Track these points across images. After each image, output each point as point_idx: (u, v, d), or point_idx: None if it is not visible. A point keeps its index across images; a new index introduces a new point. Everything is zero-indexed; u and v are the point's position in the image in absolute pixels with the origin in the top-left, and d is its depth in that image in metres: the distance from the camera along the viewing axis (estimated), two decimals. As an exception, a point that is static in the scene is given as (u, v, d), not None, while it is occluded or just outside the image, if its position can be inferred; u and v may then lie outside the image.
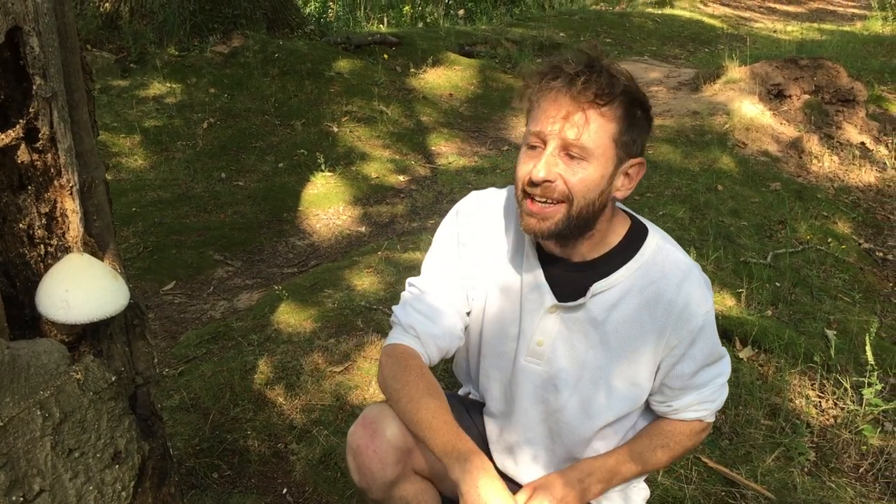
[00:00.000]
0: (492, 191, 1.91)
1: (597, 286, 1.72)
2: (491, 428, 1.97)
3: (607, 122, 1.59)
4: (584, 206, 1.62)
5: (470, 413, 2.02)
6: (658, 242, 1.76)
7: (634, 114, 1.63)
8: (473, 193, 1.92)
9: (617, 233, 1.75)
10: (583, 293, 1.73)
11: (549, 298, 1.77)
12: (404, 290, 1.92)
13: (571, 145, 1.58)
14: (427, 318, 1.82)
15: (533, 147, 1.63)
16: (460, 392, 2.17)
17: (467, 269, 1.85)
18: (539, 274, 1.78)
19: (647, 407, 1.89)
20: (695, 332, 1.72)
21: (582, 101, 1.56)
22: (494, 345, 1.88)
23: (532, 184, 1.61)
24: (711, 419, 1.89)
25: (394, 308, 1.89)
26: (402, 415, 1.73)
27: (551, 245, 1.74)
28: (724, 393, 1.87)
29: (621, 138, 1.61)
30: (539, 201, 1.62)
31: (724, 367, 1.85)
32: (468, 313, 1.90)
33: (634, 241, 1.75)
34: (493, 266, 1.85)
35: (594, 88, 1.56)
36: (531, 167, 1.61)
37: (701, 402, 1.82)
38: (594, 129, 1.57)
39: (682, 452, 1.89)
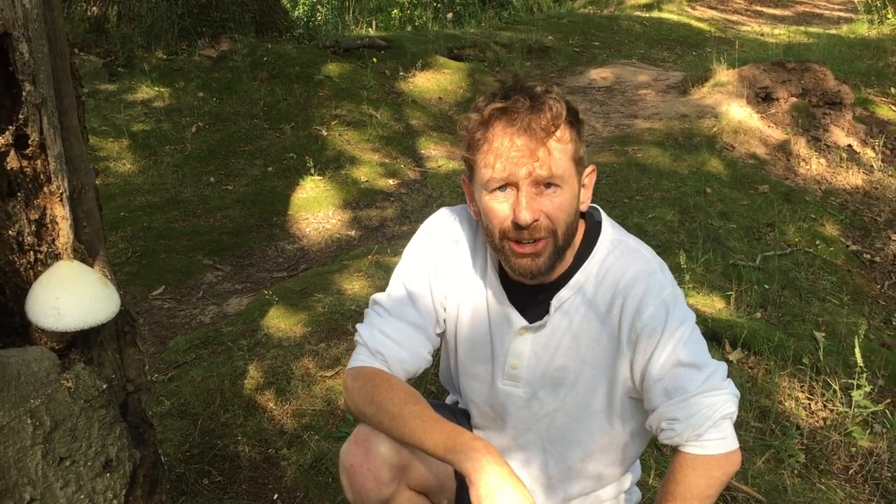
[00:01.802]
0: (460, 209, 1.90)
1: (557, 298, 1.73)
2: (480, 436, 1.97)
3: (565, 144, 1.61)
4: (566, 231, 1.65)
5: (459, 422, 2.01)
6: (611, 238, 1.76)
7: (579, 128, 1.66)
8: (443, 210, 1.91)
9: (577, 239, 1.75)
10: (547, 310, 1.74)
11: (518, 321, 1.77)
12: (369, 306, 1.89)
13: (544, 179, 1.59)
14: (395, 342, 1.79)
15: (501, 191, 1.62)
16: (448, 400, 2.16)
17: (437, 290, 1.84)
18: (503, 297, 1.78)
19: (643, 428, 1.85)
20: (651, 324, 1.65)
21: (540, 135, 1.57)
22: (468, 366, 1.88)
23: (518, 227, 1.61)
24: (698, 449, 1.65)
25: (358, 327, 1.86)
26: (388, 434, 1.70)
27: (524, 279, 1.72)
28: (696, 413, 1.63)
29: (577, 154, 1.65)
30: (527, 242, 1.63)
31: (696, 380, 1.64)
32: (440, 333, 1.89)
33: (589, 241, 1.76)
34: (461, 286, 1.84)
35: (546, 119, 1.57)
36: (509, 212, 1.61)
37: (666, 419, 1.66)
38: (557, 156, 1.60)
39: (697, 497, 1.66)
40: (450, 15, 10.69)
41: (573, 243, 1.72)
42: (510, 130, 1.58)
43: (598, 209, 1.81)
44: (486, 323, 1.82)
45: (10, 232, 1.42)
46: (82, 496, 1.40)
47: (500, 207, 1.63)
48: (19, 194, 1.43)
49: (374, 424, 1.73)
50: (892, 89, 7.23)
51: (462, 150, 1.68)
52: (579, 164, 1.66)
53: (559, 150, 1.60)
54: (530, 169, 1.57)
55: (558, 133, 1.59)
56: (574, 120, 1.64)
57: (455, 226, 1.86)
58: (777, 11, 13.27)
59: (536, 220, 1.60)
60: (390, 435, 1.70)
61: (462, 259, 1.84)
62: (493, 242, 1.68)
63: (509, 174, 1.59)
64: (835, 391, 3.18)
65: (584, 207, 1.72)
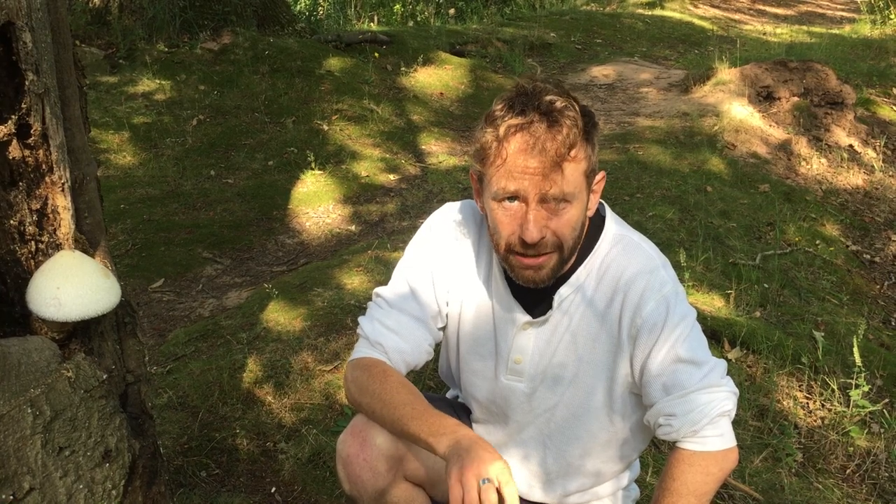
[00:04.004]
0: (465, 204, 1.89)
1: (559, 295, 1.73)
2: (480, 431, 1.97)
3: (577, 163, 1.58)
4: (572, 244, 1.65)
5: (459, 416, 2.01)
6: (614, 233, 1.75)
7: (593, 138, 1.62)
8: (447, 206, 1.90)
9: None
10: (550, 304, 1.74)
11: (521, 316, 1.77)
12: (371, 299, 1.89)
13: (555, 198, 1.57)
14: (395, 333, 1.79)
15: (509, 200, 1.60)
16: (448, 395, 2.16)
17: (439, 285, 1.84)
18: (508, 292, 1.78)
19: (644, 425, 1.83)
20: (651, 320, 1.66)
21: (554, 158, 1.53)
22: (470, 361, 1.88)
23: (525, 245, 1.60)
24: (695, 446, 1.66)
25: (360, 319, 1.86)
26: (380, 422, 1.70)
27: (528, 286, 1.71)
28: (694, 409, 1.64)
29: (589, 168, 1.62)
30: (532, 255, 1.62)
31: (695, 376, 1.65)
32: (442, 328, 1.89)
33: (592, 237, 1.75)
34: (464, 282, 1.84)
35: (561, 143, 1.53)
36: (517, 228, 1.60)
37: (664, 414, 1.67)
38: (569, 174, 1.56)
39: (693, 493, 1.66)
40: (452, 10, 10.67)
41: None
42: (524, 151, 1.54)
43: (603, 204, 1.81)
44: (490, 318, 1.82)
45: (11, 221, 1.42)
46: (81, 486, 1.41)
47: (507, 220, 1.61)
48: (21, 184, 1.43)
49: (368, 413, 1.73)
50: (894, 90, 7.23)
51: (474, 161, 1.65)
52: (590, 175, 1.64)
53: (572, 168, 1.57)
54: (542, 189, 1.55)
55: (573, 152, 1.56)
56: (589, 131, 1.60)
57: (459, 221, 1.86)
58: (780, 11, 13.27)
59: (543, 238, 1.59)
60: (382, 422, 1.70)
61: (466, 255, 1.84)
62: (498, 251, 1.68)
63: (517, 189, 1.57)
64: (833, 391, 3.19)
65: (590, 213, 1.71)
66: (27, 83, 1.36)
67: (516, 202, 1.59)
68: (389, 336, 1.79)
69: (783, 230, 4.79)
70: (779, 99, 6.43)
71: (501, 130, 1.56)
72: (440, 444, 1.54)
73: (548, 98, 1.56)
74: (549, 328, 1.76)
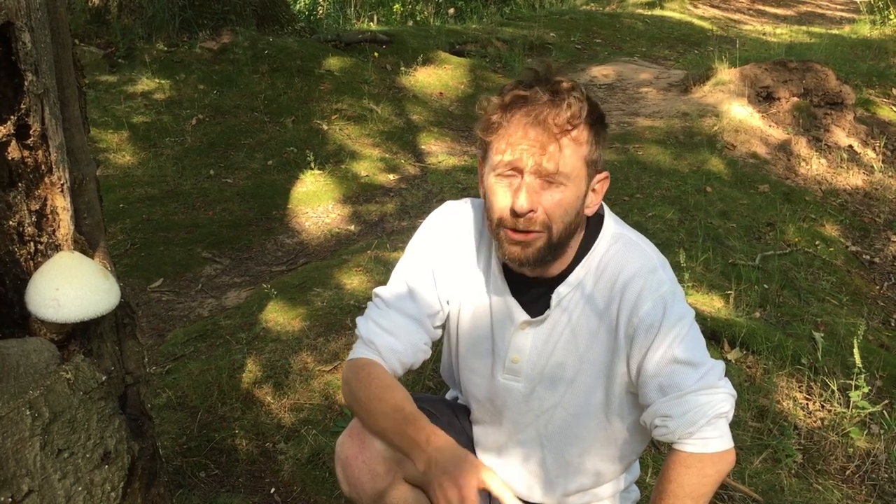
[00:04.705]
0: (466, 202, 1.89)
1: (557, 294, 1.73)
2: (479, 432, 1.97)
3: (578, 145, 1.60)
4: (562, 230, 1.64)
5: (458, 417, 2.01)
6: (612, 232, 1.76)
7: (599, 131, 1.65)
8: (448, 204, 1.91)
9: (578, 238, 1.74)
10: (548, 304, 1.74)
11: (519, 315, 1.77)
12: (371, 299, 1.90)
13: (549, 174, 1.58)
14: (389, 333, 1.80)
15: (506, 176, 1.62)
16: (448, 396, 2.16)
17: (440, 283, 1.84)
18: (506, 291, 1.78)
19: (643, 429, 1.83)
20: (648, 320, 1.65)
21: (554, 130, 1.56)
22: (468, 359, 1.88)
23: (515, 214, 1.60)
24: (691, 447, 1.65)
25: (357, 320, 1.87)
26: (369, 430, 1.73)
27: (525, 269, 1.73)
28: (690, 410, 1.63)
29: (591, 157, 1.64)
30: (521, 230, 1.62)
31: (691, 377, 1.64)
32: (440, 326, 1.89)
33: (591, 236, 1.75)
34: (463, 281, 1.84)
35: (565, 116, 1.56)
36: (510, 198, 1.60)
37: (660, 415, 1.66)
38: (568, 154, 1.58)
39: (690, 496, 1.65)
40: (451, 10, 10.66)
41: (575, 239, 1.72)
42: (525, 121, 1.57)
43: (602, 204, 1.81)
44: (487, 317, 1.81)
45: (10, 222, 1.42)
46: (80, 488, 1.40)
47: (502, 193, 1.62)
48: (20, 185, 1.42)
49: (359, 420, 1.76)
50: (894, 90, 7.23)
51: (478, 131, 1.67)
52: (591, 166, 1.65)
53: (571, 148, 1.59)
54: (537, 161, 1.57)
55: (574, 133, 1.58)
56: (595, 122, 1.64)
57: (459, 220, 1.86)
58: (779, 11, 13.26)
59: (533, 212, 1.60)
60: (373, 433, 1.73)
61: (465, 253, 1.84)
62: (490, 226, 1.69)
63: (514, 160, 1.58)
64: (833, 391, 3.18)
65: (589, 212, 1.71)
66: (26, 84, 1.35)
67: (512, 175, 1.61)
68: (383, 336, 1.80)
69: (783, 231, 4.79)
70: (778, 99, 6.43)
71: (507, 98, 1.60)
72: (419, 463, 1.58)
73: (558, 79, 1.61)
74: (547, 327, 1.75)
